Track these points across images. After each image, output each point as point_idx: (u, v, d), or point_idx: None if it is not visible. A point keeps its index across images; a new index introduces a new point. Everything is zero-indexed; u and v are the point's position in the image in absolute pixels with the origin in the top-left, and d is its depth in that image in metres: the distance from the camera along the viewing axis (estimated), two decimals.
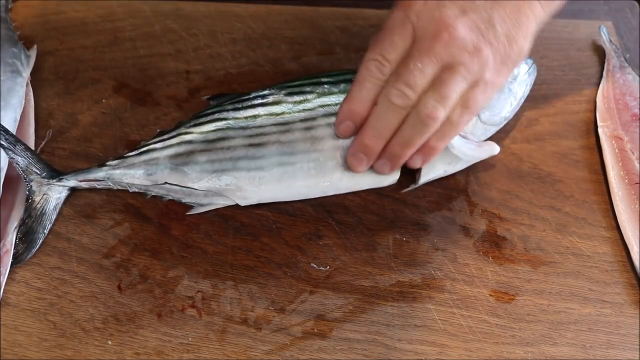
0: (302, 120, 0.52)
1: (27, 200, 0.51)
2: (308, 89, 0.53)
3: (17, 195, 0.52)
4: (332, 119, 0.52)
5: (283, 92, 0.53)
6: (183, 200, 0.52)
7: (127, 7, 0.66)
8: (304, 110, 0.52)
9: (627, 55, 0.64)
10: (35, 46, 0.61)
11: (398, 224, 0.53)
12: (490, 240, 0.52)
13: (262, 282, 0.49)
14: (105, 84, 0.60)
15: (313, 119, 0.52)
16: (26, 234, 0.50)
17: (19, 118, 0.55)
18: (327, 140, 0.52)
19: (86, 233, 0.51)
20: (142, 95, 0.60)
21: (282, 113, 0.52)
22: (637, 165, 0.55)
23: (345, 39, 0.65)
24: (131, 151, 0.53)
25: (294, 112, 0.52)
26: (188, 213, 0.52)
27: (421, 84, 0.46)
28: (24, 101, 0.56)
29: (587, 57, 0.65)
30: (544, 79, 0.62)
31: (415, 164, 0.51)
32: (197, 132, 0.53)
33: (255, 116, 0.53)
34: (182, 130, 0.53)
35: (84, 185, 0.52)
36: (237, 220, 0.52)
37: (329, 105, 0.52)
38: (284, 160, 0.51)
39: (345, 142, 0.51)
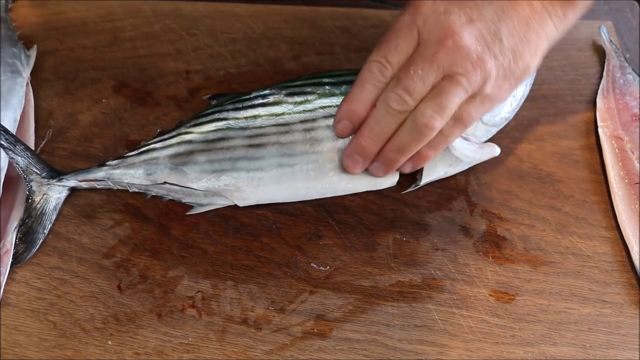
0: (302, 122, 0.52)
1: (27, 200, 0.51)
2: (309, 89, 0.53)
3: (17, 195, 0.52)
4: (332, 121, 0.52)
5: (284, 92, 0.53)
6: (183, 200, 0.52)
7: (127, 7, 0.66)
8: (304, 111, 0.52)
9: (627, 55, 0.64)
10: (35, 46, 0.61)
11: (398, 224, 0.53)
12: (490, 240, 0.52)
13: (262, 282, 0.49)
14: (105, 84, 0.60)
15: (313, 120, 0.52)
16: (26, 234, 0.50)
17: (19, 118, 0.55)
18: (326, 142, 0.51)
19: (86, 233, 0.51)
20: (142, 95, 0.60)
21: (283, 113, 0.52)
22: (637, 165, 0.55)
23: (345, 39, 0.65)
24: (131, 151, 0.53)
25: (294, 112, 0.52)
26: (188, 213, 0.52)
27: (420, 91, 0.46)
28: (24, 101, 0.56)
29: (587, 57, 0.65)
30: (544, 79, 0.62)
31: (405, 169, 0.52)
32: (197, 132, 0.53)
33: (255, 116, 0.52)
34: (182, 130, 0.53)
35: (84, 185, 0.52)
36: (237, 220, 0.52)
37: (329, 106, 0.52)
38: (283, 161, 0.51)
39: (345, 145, 0.51)
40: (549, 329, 0.48)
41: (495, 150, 0.54)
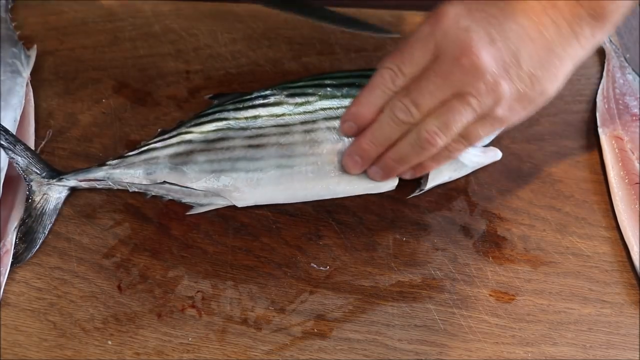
0: (302, 123, 0.52)
1: (27, 200, 0.51)
2: (310, 90, 0.53)
3: (17, 195, 0.52)
4: (333, 123, 0.52)
5: (285, 92, 0.53)
6: (183, 200, 0.52)
7: (127, 7, 0.66)
8: (304, 112, 0.52)
9: (627, 55, 0.64)
10: (35, 46, 0.61)
11: (398, 224, 0.53)
12: (490, 240, 0.52)
13: (262, 282, 0.49)
14: (105, 84, 0.60)
15: (313, 121, 0.52)
16: (26, 234, 0.50)
17: (19, 118, 0.55)
18: (326, 143, 0.51)
19: (86, 233, 0.51)
20: (142, 95, 0.60)
21: (283, 114, 0.52)
22: (637, 165, 0.55)
23: (345, 39, 0.65)
24: (131, 151, 0.53)
25: (294, 113, 0.52)
26: (188, 213, 0.52)
27: (428, 105, 0.45)
28: (24, 101, 0.56)
29: (587, 57, 0.65)
30: None
31: (405, 176, 0.52)
32: (197, 132, 0.53)
33: (255, 117, 0.52)
34: (183, 129, 0.53)
35: (84, 185, 0.52)
36: (237, 220, 0.52)
37: (330, 108, 0.52)
38: (282, 162, 0.51)
39: (345, 148, 0.51)
40: (549, 329, 0.48)
41: (497, 155, 0.55)
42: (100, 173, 0.52)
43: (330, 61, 0.63)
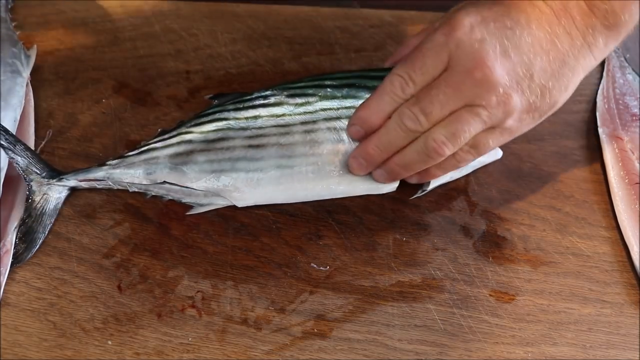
0: (302, 123, 0.52)
1: (27, 200, 0.51)
2: (310, 91, 0.53)
3: (17, 195, 0.52)
4: (333, 124, 0.52)
5: (285, 92, 0.53)
6: (183, 200, 0.52)
7: (127, 7, 0.66)
8: (305, 113, 0.52)
9: (627, 55, 0.64)
10: (35, 46, 0.61)
11: (398, 224, 0.53)
12: (490, 240, 0.52)
13: (262, 282, 0.49)
14: (105, 84, 0.60)
15: (314, 122, 0.52)
16: (26, 234, 0.50)
17: (19, 118, 0.55)
18: (327, 144, 0.51)
19: (86, 233, 0.51)
20: (142, 95, 0.60)
21: (283, 115, 0.52)
22: (637, 165, 0.55)
23: (345, 39, 0.65)
24: (131, 150, 0.53)
25: (294, 114, 0.52)
26: (188, 213, 0.52)
27: (437, 115, 0.45)
28: (24, 101, 0.56)
29: None
30: None
31: (410, 180, 0.52)
32: (197, 132, 0.53)
33: (255, 117, 0.52)
34: (183, 129, 0.53)
35: (84, 185, 0.52)
36: (237, 220, 0.52)
37: (330, 109, 0.52)
38: (282, 162, 0.51)
39: (345, 148, 0.51)
40: (549, 329, 0.48)
41: (498, 154, 0.55)
42: (100, 173, 0.52)
43: (330, 61, 0.63)
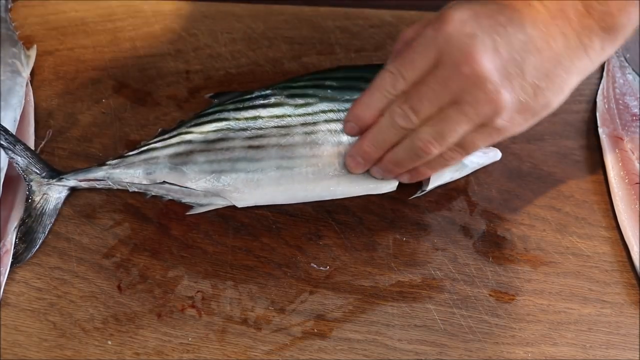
0: (302, 125, 0.52)
1: (27, 200, 0.51)
2: (310, 91, 0.53)
3: (17, 195, 0.52)
4: (333, 125, 0.51)
5: (285, 93, 0.53)
6: (183, 200, 0.52)
7: (127, 7, 0.66)
8: (305, 114, 0.52)
9: (627, 55, 0.64)
10: (35, 46, 0.61)
11: (398, 224, 0.53)
12: (490, 240, 0.52)
13: (262, 282, 0.49)
14: (105, 84, 0.60)
15: (314, 123, 0.52)
16: (26, 234, 0.50)
17: (19, 118, 0.55)
18: (327, 145, 0.51)
19: (86, 233, 0.51)
20: (142, 95, 0.60)
21: (283, 115, 0.52)
22: (637, 165, 0.55)
23: (345, 39, 0.65)
24: (131, 150, 0.53)
25: (295, 115, 0.52)
26: (188, 213, 0.52)
27: (427, 112, 0.45)
28: (24, 101, 0.56)
29: None
30: None
31: (402, 179, 0.52)
32: (197, 132, 0.53)
33: (255, 117, 0.52)
34: (183, 129, 0.53)
35: (83, 185, 0.52)
36: (237, 220, 0.52)
37: (330, 111, 0.52)
38: (282, 163, 0.51)
39: (345, 149, 0.51)
40: (549, 329, 0.48)
41: (497, 155, 0.55)
42: (100, 173, 0.52)
43: (330, 61, 0.63)
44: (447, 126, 0.44)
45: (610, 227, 0.53)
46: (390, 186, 0.52)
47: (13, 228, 0.50)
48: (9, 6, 0.65)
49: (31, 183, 0.51)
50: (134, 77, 0.61)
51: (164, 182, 0.52)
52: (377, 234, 0.52)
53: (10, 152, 0.50)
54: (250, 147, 0.52)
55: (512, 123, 0.44)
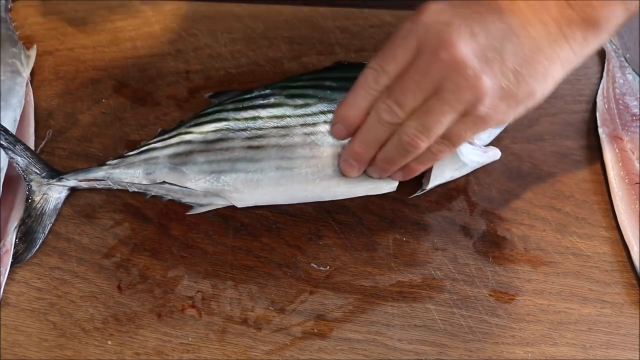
0: (302, 125, 0.52)
1: (27, 200, 0.51)
2: (310, 92, 0.53)
3: (17, 195, 0.52)
4: None
5: (284, 93, 0.53)
6: (183, 200, 0.52)
7: (127, 7, 0.66)
8: (304, 115, 0.52)
9: (627, 55, 0.64)
10: (35, 46, 0.61)
11: (398, 224, 0.53)
12: (490, 240, 0.52)
13: (262, 282, 0.49)
14: (105, 84, 0.60)
15: (313, 124, 0.52)
16: (26, 234, 0.50)
17: (19, 118, 0.55)
18: (326, 147, 0.51)
19: (86, 233, 0.51)
20: (142, 95, 0.60)
21: (283, 116, 0.52)
22: (637, 165, 0.55)
23: (345, 39, 0.65)
24: (131, 150, 0.53)
25: (294, 115, 0.52)
26: (188, 213, 0.52)
27: (411, 104, 0.44)
28: (24, 101, 0.56)
29: (587, 57, 0.65)
30: None
31: (396, 177, 0.52)
32: (197, 132, 0.53)
33: (255, 118, 0.52)
34: (183, 130, 0.53)
35: (83, 185, 0.52)
36: (237, 220, 0.52)
37: (330, 112, 0.52)
38: (282, 164, 0.51)
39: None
40: (549, 329, 0.48)
41: (496, 154, 0.55)
42: (100, 173, 0.52)
43: (330, 61, 0.62)
44: (431, 117, 0.44)
45: (610, 227, 0.53)
46: (390, 186, 0.52)
47: (13, 228, 0.50)
48: (9, 6, 0.65)
49: (31, 183, 0.51)
50: (134, 77, 0.61)
51: (164, 182, 0.52)
52: (377, 234, 0.52)
53: (10, 152, 0.50)
54: (250, 147, 0.52)
55: (496, 110, 0.44)
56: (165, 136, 0.53)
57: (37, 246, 0.50)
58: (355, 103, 0.47)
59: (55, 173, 0.52)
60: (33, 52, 0.61)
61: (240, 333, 0.47)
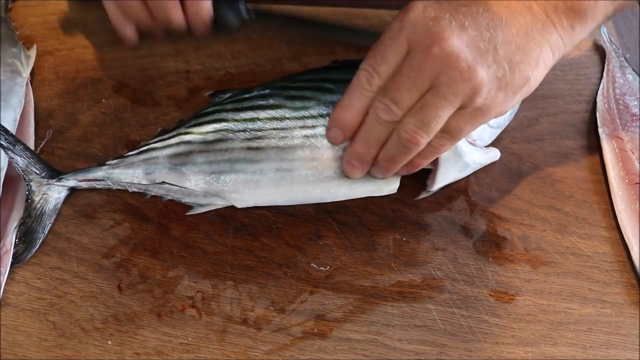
0: (301, 127, 0.52)
1: (26, 200, 0.51)
2: (309, 93, 0.52)
3: (17, 195, 0.52)
4: None
5: (284, 94, 0.53)
6: (182, 201, 0.52)
7: None
8: (303, 117, 0.52)
9: (627, 55, 0.64)
10: (35, 46, 0.61)
11: (398, 224, 0.53)
12: (490, 240, 0.52)
13: (262, 282, 0.49)
14: (105, 84, 0.60)
15: (313, 127, 0.51)
16: (26, 234, 0.50)
17: (18, 118, 0.55)
18: (326, 149, 0.51)
19: (86, 233, 0.51)
20: (142, 95, 0.60)
21: (282, 118, 0.52)
22: (637, 165, 0.55)
23: (346, 38, 0.65)
24: (131, 150, 0.53)
25: (293, 118, 0.52)
26: (188, 213, 0.52)
27: (408, 101, 0.44)
28: (23, 101, 0.56)
29: (587, 57, 0.65)
30: (544, 79, 0.62)
31: (400, 172, 0.51)
32: (196, 133, 0.52)
33: (254, 119, 0.52)
34: (182, 130, 0.53)
35: (83, 185, 0.52)
36: (237, 220, 0.52)
37: (329, 115, 0.51)
38: (282, 165, 0.51)
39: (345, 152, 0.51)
40: (549, 329, 0.48)
41: (497, 155, 0.55)
42: (99, 173, 0.52)
43: (330, 61, 0.62)
44: (429, 112, 0.44)
45: (610, 227, 0.53)
46: (391, 188, 0.52)
47: (13, 228, 0.50)
48: (9, 6, 0.65)
49: (31, 183, 0.51)
50: (134, 77, 0.61)
51: (163, 182, 0.52)
52: (377, 234, 0.52)
53: (10, 152, 0.50)
54: (249, 148, 0.52)
55: (493, 101, 0.44)
56: (165, 136, 0.53)
57: (37, 246, 0.50)
58: (349, 106, 0.47)
59: (55, 173, 0.52)
60: (33, 52, 0.61)
61: (240, 333, 0.47)
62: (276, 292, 0.49)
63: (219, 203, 0.52)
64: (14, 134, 0.52)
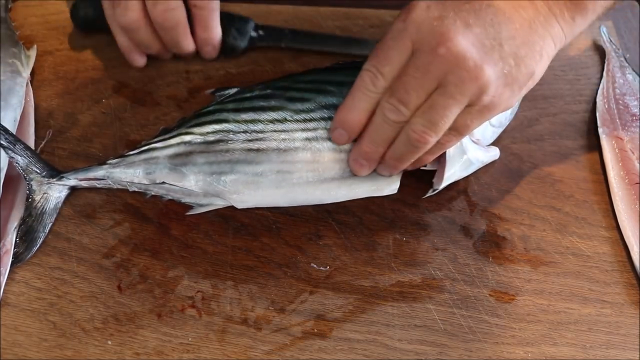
0: (303, 130, 0.51)
1: (27, 199, 0.51)
2: (310, 96, 0.52)
3: (17, 195, 0.52)
4: None
5: (285, 95, 0.53)
6: (183, 200, 0.52)
7: None
8: (304, 120, 0.52)
9: (627, 55, 0.64)
10: (35, 46, 0.61)
11: (398, 224, 0.53)
12: (490, 240, 0.52)
13: (262, 282, 0.49)
14: (105, 84, 0.60)
15: (314, 129, 0.51)
16: (26, 233, 0.50)
17: (19, 118, 0.55)
18: (327, 151, 0.51)
19: (86, 233, 0.51)
20: (142, 95, 0.60)
21: (283, 120, 0.52)
22: (637, 165, 0.55)
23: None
24: (132, 150, 0.53)
25: (294, 120, 0.52)
26: (188, 213, 0.52)
27: (415, 101, 0.44)
28: (24, 101, 0.56)
29: (587, 57, 0.65)
30: (544, 79, 0.61)
31: (407, 168, 0.51)
32: (197, 133, 0.52)
33: (255, 121, 0.52)
34: (183, 130, 0.53)
35: (84, 184, 0.52)
36: (237, 220, 0.52)
37: (330, 118, 0.51)
38: (282, 167, 0.51)
39: (346, 154, 0.51)
40: (549, 329, 0.48)
41: (497, 153, 0.55)
42: (100, 172, 0.52)
43: (330, 61, 0.62)
44: (437, 112, 0.44)
45: (610, 227, 0.53)
46: (391, 188, 0.52)
47: (13, 228, 0.50)
48: (9, 6, 0.65)
49: (31, 182, 0.51)
50: (134, 77, 0.61)
51: (163, 182, 0.52)
52: (377, 234, 0.52)
53: (10, 151, 0.50)
54: (250, 149, 0.51)
55: (500, 98, 0.44)
56: (166, 136, 0.53)
57: (38, 245, 0.50)
58: (354, 106, 0.47)
59: (55, 172, 0.52)
60: (33, 52, 0.61)
61: (240, 333, 0.47)
62: (276, 292, 0.49)
63: (219, 203, 0.52)
64: (14, 133, 0.52)
